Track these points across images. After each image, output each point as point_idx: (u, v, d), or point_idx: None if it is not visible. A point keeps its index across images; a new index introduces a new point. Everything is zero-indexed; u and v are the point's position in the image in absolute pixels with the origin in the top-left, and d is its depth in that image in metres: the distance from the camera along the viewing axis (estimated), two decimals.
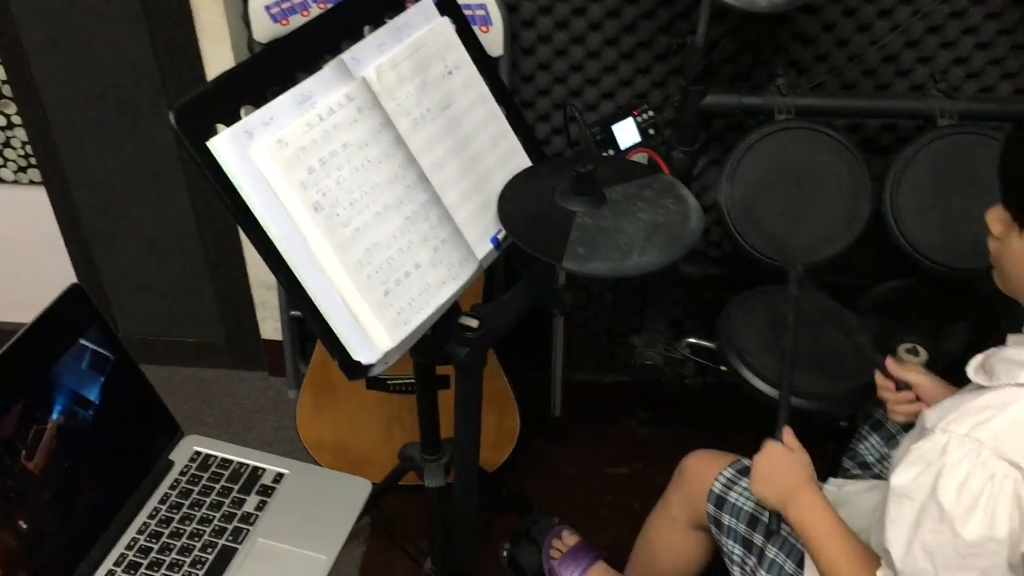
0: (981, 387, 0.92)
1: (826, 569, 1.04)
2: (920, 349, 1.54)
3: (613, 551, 1.69)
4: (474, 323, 1.20)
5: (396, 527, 1.83)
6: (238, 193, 0.98)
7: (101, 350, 1.18)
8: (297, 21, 1.58)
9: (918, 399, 1.19)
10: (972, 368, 0.95)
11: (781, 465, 1.14)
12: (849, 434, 1.44)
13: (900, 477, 0.91)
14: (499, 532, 1.81)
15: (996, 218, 0.90)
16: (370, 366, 1.08)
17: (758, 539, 1.21)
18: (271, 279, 1.99)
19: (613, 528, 1.82)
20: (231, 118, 0.97)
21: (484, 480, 1.84)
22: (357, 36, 1.12)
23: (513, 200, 1.22)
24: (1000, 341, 0.97)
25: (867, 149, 1.69)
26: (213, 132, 0.96)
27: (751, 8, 1.27)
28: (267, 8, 1.58)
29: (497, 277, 1.80)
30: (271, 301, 2.06)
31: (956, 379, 1.09)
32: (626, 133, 1.43)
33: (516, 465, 1.91)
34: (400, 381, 1.75)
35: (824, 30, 1.60)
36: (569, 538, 1.70)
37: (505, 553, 1.75)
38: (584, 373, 2.14)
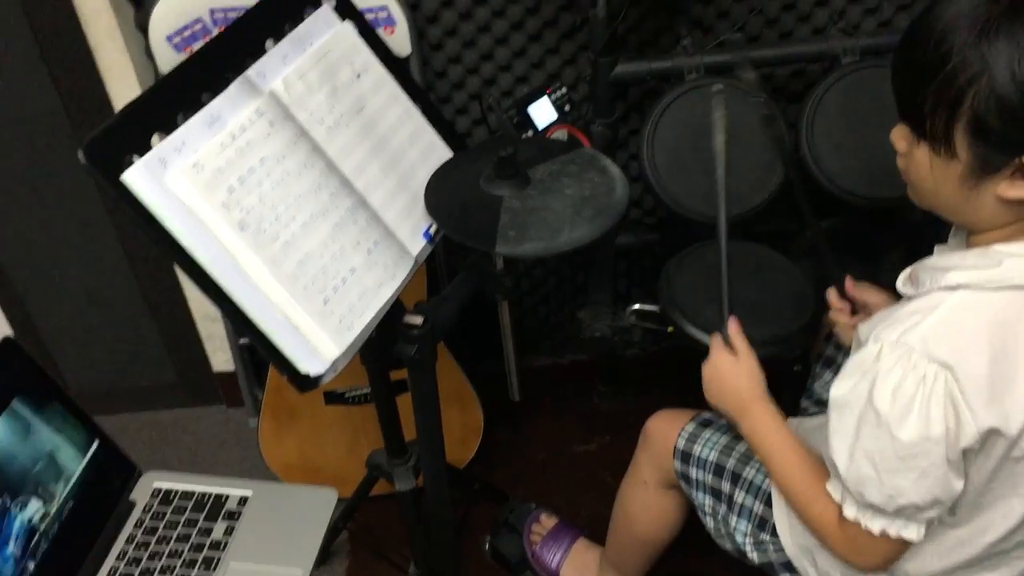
0: (911, 297, 0.95)
1: (780, 482, 1.07)
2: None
3: (592, 526, 1.71)
4: (418, 320, 1.20)
5: (376, 538, 1.82)
6: (160, 224, 0.97)
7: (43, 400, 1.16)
8: None
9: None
10: (901, 280, 0.99)
11: (729, 375, 1.16)
12: (803, 377, 1.47)
13: (838, 388, 0.94)
14: (479, 526, 1.82)
15: (899, 135, 0.93)
16: (319, 377, 1.08)
17: (726, 486, 1.23)
18: (215, 310, 1.96)
19: (589, 504, 1.84)
20: (143, 148, 0.97)
21: (456, 477, 1.85)
22: (260, 51, 1.12)
23: (439, 192, 1.23)
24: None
25: (780, 97, 1.73)
26: (126, 165, 0.95)
27: None
28: (169, 39, 1.56)
29: (440, 272, 1.81)
30: (218, 332, 2.04)
31: None
32: (542, 112, 1.44)
33: (486, 458, 1.92)
34: (358, 392, 1.75)
35: None
36: (547, 521, 1.71)
37: (487, 546, 1.76)
38: (542, 357, 2.16)
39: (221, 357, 2.10)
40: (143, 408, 2.19)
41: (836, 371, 1.35)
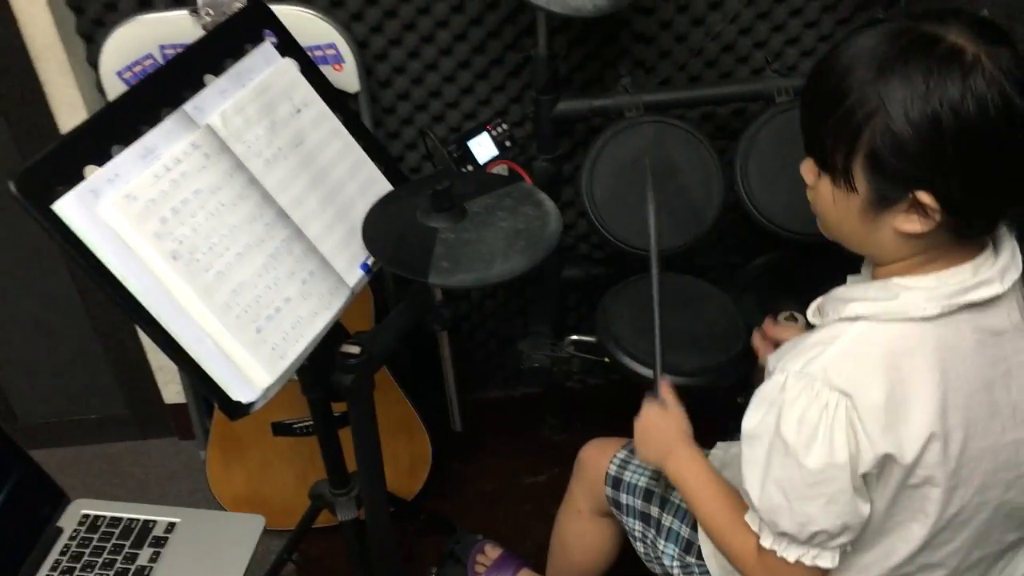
0: (816, 327, 0.98)
1: (703, 517, 1.10)
2: (798, 315, 1.60)
3: (539, 557, 1.71)
4: (355, 349, 1.22)
5: (323, 569, 1.82)
6: (92, 253, 0.99)
7: None
8: None
9: None
10: (811, 311, 1.02)
11: (657, 424, 1.19)
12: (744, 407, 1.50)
13: (748, 420, 0.96)
14: (426, 557, 1.82)
15: (807, 168, 0.96)
16: (251, 404, 1.09)
17: (654, 511, 1.25)
18: None
19: (536, 535, 1.85)
20: (75, 179, 0.99)
21: (404, 507, 1.85)
22: (199, 85, 1.14)
23: (376, 225, 1.25)
24: None
25: (720, 136, 1.77)
26: (58, 195, 0.97)
27: (579, 14, 1.33)
28: (119, 74, 1.58)
29: (389, 304, 1.83)
30: (169, 364, 2.04)
31: None
32: (483, 148, 1.48)
33: (435, 489, 1.93)
34: (305, 423, 1.75)
35: (662, 28, 1.68)
36: (492, 551, 1.72)
37: None
38: (493, 390, 2.18)
39: (173, 389, 2.10)
40: (94, 440, 2.18)
41: None
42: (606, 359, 1.38)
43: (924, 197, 0.85)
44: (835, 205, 0.92)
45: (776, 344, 1.28)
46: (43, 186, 0.96)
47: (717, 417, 1.47)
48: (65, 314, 1.97)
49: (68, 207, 0.97)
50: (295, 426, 1.77)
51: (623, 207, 1.51)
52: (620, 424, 1.57)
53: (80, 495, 1.30)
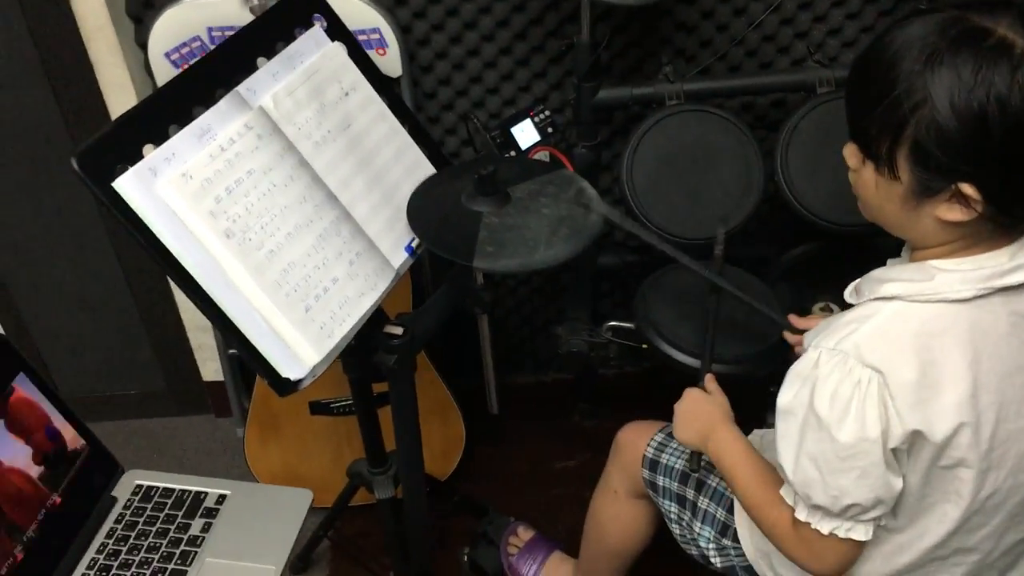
0: (852, 306, 1.00)
1: (741, 494, 1.11)
2: (832, 306, 1.61)
3: (570, 540, 1.73)
4: (398, 330, 1.24)
5: (357, 547, 1.85)
6: (150, 230, 1.02)
7: (32, 397, 1.20)
8: None
9: None
10: (848, 292, 1.03)
11: (699, 407, 1.20)
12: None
13: (783, 396, 0.98)
14: (458, 538, 1.85)
15: (850, 152, 0.97)
16: (299, 381, 1.12)
17: (690, 493, 1.27)
18: (205, 320, 2.01)
19: (567, 518, 1.87)
20: (134, 157, 1.01)
21: (437, 489, 1.88)
22: (251, 68, 1.17)
23: (421, 207, 1.27)
24: None
25: (760, 126, 1.78)
26: (118, 173, 0.99)
27: (625, 2, 1.34)
28: (167, 55, 1.61)
29: (426, 286, 1.85)
30: (208, 343, 2.08)
31: None
32: (525, 134, 1.49)
33: (468, 471, 1.95)
34: (342, 403, 1.78)
35: (703, 17, 1.68)
36: (525, 533, 1.74)
37: (465, 557, 1.79)
38: (525, 375, 2.19)
39: (211, 367, 2.13)
40: (133, 416, 2.23)
41: None
42: (644, 345, 1.39)
43: (967, 188, 0.85)
44: (877, 191, 0.93)
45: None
46: (104, 164, 0.99)
47: (752, 406, 1.49)
48: (108, 290, 2.01)
49: (127, 185, 1.00)
50: (332, 405, 1.79)
51: (663, 196, 1.52)
52: (651, 411, 1.59)
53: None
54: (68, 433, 1.24)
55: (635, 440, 1.36)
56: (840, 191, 1.50)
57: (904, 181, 0.89)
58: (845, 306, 1.61)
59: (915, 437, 0.92)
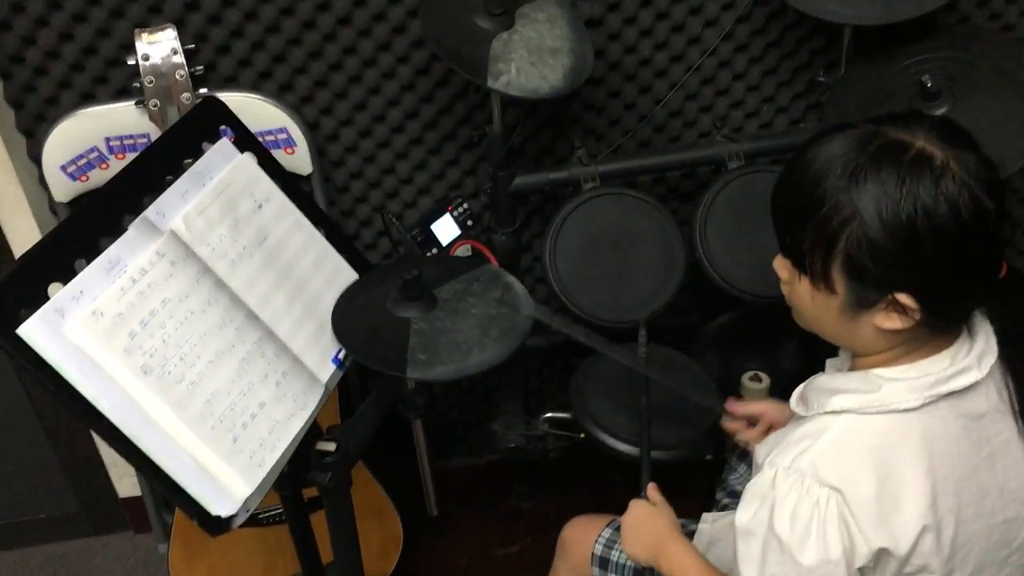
0: (802, 417, 0.99)
1: None
2: (761, 375, 1.63)
3: None
4: (331, 446, 1.20)
5: None
6: (60, 375, 0.95)
7: None
8: (97, 176, 1.55)
9: (771, 427, 1.26)
10: (794, 400, 1.03)
11: (647, 522, 1.18)
12: (718, 465, 1.51)
13: (742, 515, 0.96)
14: None
15: (781, 266, 0.98)
16: (231, 518, 1.06)
17: None
18: None
19: None
20: (39, 300, 0.95)
21: None
22: (159, 188, 1.12)
23: (346, 317, 1.23)
24: (833, 351, 1.05)
25: (672, 197, 1.80)
26: (22, 319, 0.93)
27: (535, 96, 1.34)
28: (63, 168, 1.54)
29: (353, 390, 1.80)
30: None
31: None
32: (445, 229, 1.48)
33: (408, 568, 1.89)
34: (272, 513, 1.71)
35: (610, 97, 1.70)
36: None
37: None
38: (458, 460, 2.15)
39: (127, 482, 2.03)
40: (46, 540, 2.10)
41: (750, 464, 1.38)
42: (582, 435, 1.37)
43: (903, 298, 0.87)
44: (814, 304, 0.94)
45: (748, 419, 1.29)
46: (6, 310, 0.93)
47: (689, 482, 1.48)
48: (12, 414, 1.89)
49: (33, 330, 0.93)
50: (261, 516, 1.72)
51: (587, 280, 1.51)
52: (588, 489, 1.58)
53: None
54: None
55: (581, 537, 1.33)
56: (760, 264, 1.53)
57: (840, 294, 0.90)
58: (774, 373, 1.64)
59: (880, 554, 0.91)
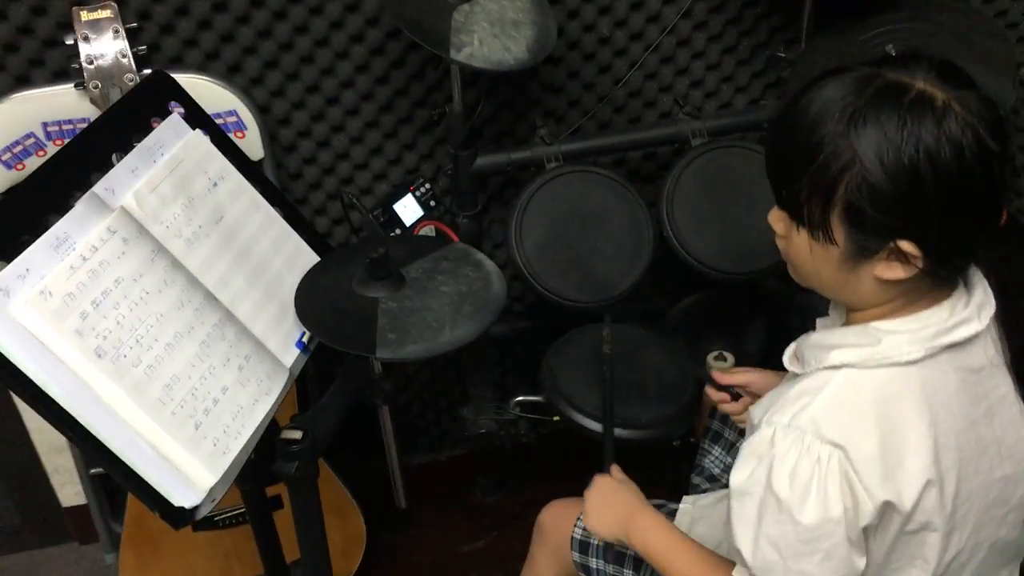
0: (797, 375, 0.96)
1: None
2: (726, 354, 1.61)
3: None
4: (297, 434, 1.14)
5: None
6: (6, 358, 0.88)
7: None
8: (33, 163, 1.47)
9: (755, 399, 1.23)
10: (787, 358, 1.00)
11: (613, 496, 1.15)
12: (685, 452, 1.48)
13: (737, 475, 0.93)
14: None
15: (776, 218, 0.95)
16: (195, 509, 1.00)
17: (628, 573, 1.21)
18: (61, 440, 1.82)
19: None
20: None
21: None
22: (106, 166, 1.05)
23: (310, 299, 1.18)
24: (799, 330, 1.02)
25: (633, 180, 1.77)
26: None
27: (499, 68, 1.30)
28: None
29: (309, 381, 1.73)
30: (66, 464, 1.88)
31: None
32: (408, 210, 1.43)
33: (373, 566, 1.83)
34: (228, 514, 1.63)
35: (570, 77, 1.67)
36: None
37: None
38: (419, 455, 2.09)
39: (71, 490, 1.93)
40: None
41: (725, 446, 1.36)
42: (556, 418, 1.34)
43: (905, 245, 0.84)
44: (812, 256, 0.91)
45: (730, 391, 1.27)
46: None
47: (655, 469, 1.45)
48: None
49: None
50: (216, 518, 1.64)
51: (554, 260, 1.48)
52: (554, 479, 1.55)
53: None
54: None
55: (559, 522, 1.29)
56: (728, 240, 1.51)
57: (840, 244, 0.87)
58: (739, 352, 1.63)
59: (886, 508, 0.88)
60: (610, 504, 1.15)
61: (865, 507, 0.87)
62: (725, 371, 1.26)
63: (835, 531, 0.87)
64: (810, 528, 0.87)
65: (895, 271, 0.86)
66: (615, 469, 1.20)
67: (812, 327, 1.03)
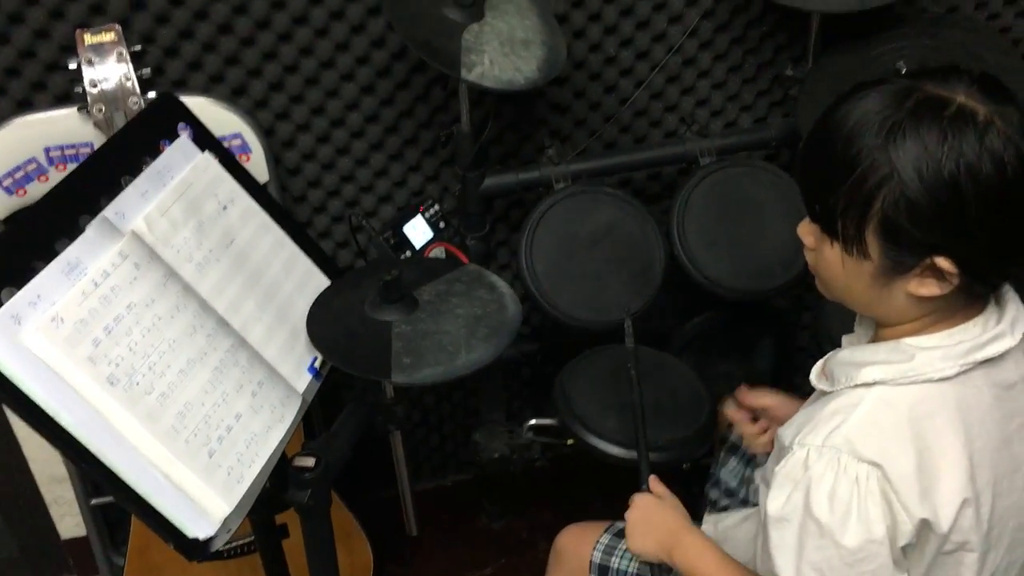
0: (826, 393, 0.94)
1: None
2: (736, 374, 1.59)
3: None
4: (310, 462, 1.12)
5: None
6: (16, 387, 0.86)
7: None
8: (36, 189, 1.44)
9: (771, 424, 1.22)
10: (814, 376, 0.98)
11: (655, 515, 1.13)
12: (694, 475, 1.46)
13: (773, 503, 0.91)
14: None
15: (807, 231, 0.93)
16: (210, 540, 0.97)
17: None
18: (61, 471, 1.78)
19: None
20: None
21: None
22: (115, 189, 1.04)
23: (322, 323, 1.16)
24: (808, 349, 1.00)
25: (641, 199, 1.76)
26: None
27: (510, 88, 1.29)
28: None
29: (313, 405, 1.70)
30: (66, 495, 1.84)
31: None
32: (418, 231, 1.41)
33: None
34: (235, 545, 1.60)
35: (576, 97, 1.66)
36: None
37: None
38: (424, 481, 2.06)
39: (70, 522, 1.89)
40: None
41: (742, 457, 1.34)
42: (570, 441, 1.31)
43: (942, 262, 0.83)
44: (843, 270, 0.89)
45: (751, 412, 1.25)
46: None
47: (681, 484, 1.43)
48: None
49: None
50: (222, 549, 1.61)
51: (565, 281, 1.46)
52: (560, 503, 1.52)
53: None
54: None
55: (578, 545, 1.26)
56: (739, 259, 1.50)
57: (874, 259, 0.86)
58: (749, 371, 1.61)
59: (923, 527, 0.86)
60: (652, 524, 1.12)
61: (904, 526, 0.85)
62: (751, 392, 1.24)
63: (879, 552, 0.85)
64: (853, 551, 0.85)
65: (930, 288, 0.85)
66: (654, 481, 1.17)
67: (820, 346, 1.01)
